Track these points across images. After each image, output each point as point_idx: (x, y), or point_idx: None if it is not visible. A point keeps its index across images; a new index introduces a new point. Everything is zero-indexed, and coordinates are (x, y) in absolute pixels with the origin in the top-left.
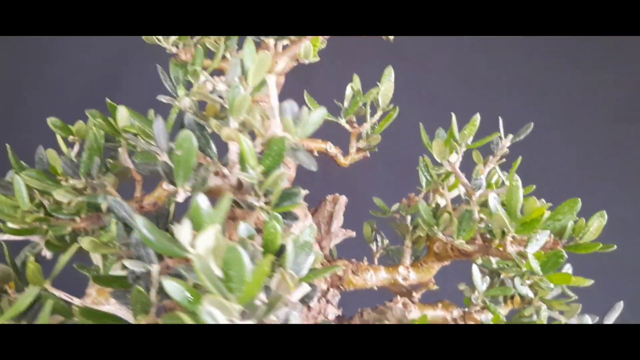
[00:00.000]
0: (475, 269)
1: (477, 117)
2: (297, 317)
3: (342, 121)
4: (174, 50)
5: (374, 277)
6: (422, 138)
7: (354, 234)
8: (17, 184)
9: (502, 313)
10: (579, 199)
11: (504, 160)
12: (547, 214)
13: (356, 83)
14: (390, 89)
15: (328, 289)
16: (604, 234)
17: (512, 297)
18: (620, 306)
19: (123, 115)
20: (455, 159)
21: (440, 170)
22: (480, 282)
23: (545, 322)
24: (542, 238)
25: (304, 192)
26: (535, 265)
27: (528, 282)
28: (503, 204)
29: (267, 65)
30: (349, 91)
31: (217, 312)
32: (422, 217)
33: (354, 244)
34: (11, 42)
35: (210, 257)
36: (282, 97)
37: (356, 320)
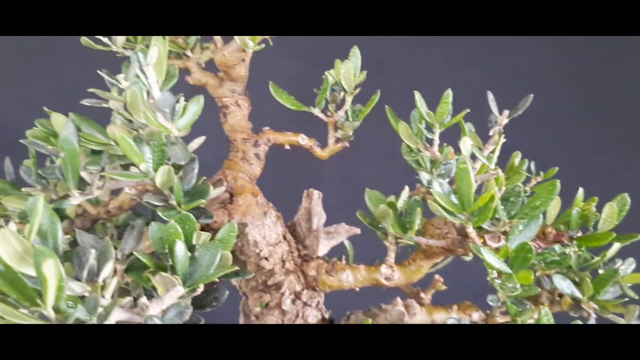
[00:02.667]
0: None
1: (449, 94)
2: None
3: (316, 110)
4: (126, 53)
5: (351, 277)
6: (390, 121)
7: (358, 230)
8: None
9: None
10: (558, 181)
11: (504, 140)
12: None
13: (337, 70)
14: (351, 70)
15: (302, 290)
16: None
17: (560, 296)
18: None
19: (59, 122)
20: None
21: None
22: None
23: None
24: (528, 229)
25: (218, 189)
26: (495, 262)
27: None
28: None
29: (164, 61)
30: (330, 79)
31: None
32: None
33: (371, 241)
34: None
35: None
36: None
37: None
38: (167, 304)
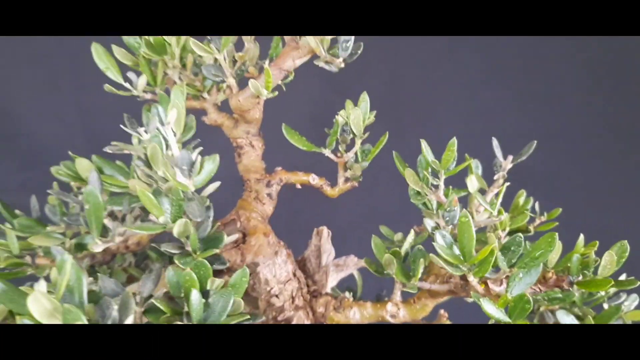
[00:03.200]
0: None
1: (454, 142)
2: None
3: (326, 151)
4: (146, 96)
5: (357, 314)
6: (398, 167)
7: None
8: (8, 233)
9: None
10: (556, 234)
11: (507, 183)
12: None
13: (347, 110)
14: (360, 116)
15: None
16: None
17: None
18: None
19: (83, 166)
20: (437, 186)
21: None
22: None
23: None
24: (528, 276)
25: (231, 237)
26: (495, 312)
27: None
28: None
29: (182, 116)
30: (341, 120)
31: None
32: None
33: None
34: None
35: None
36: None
37: None
38: None
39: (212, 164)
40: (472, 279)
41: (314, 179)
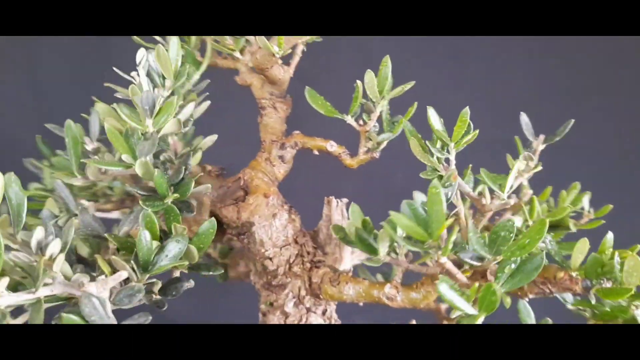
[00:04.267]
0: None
1: (467, 111)
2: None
3: (348, 118)
4: None
5: (352, 290)
6: (407, 136)
7: None
8: (45, 170)
9: None
10: (547, 220)
11: (539, 168)
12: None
13: (369, 78)
14: (374, 80)
15: (306, 295)
16: None
17: None
18: None
19: (102, 110)
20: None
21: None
22: None
23: None
24: (524, 270)
25: (202, 187)
26: (457, 300)
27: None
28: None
29: (168, 61)
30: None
31: None
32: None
33: None
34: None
35: None
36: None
37: None
38: (110, 285)
39: (170, 107)
40: (445, 261)
41: (332, 146)
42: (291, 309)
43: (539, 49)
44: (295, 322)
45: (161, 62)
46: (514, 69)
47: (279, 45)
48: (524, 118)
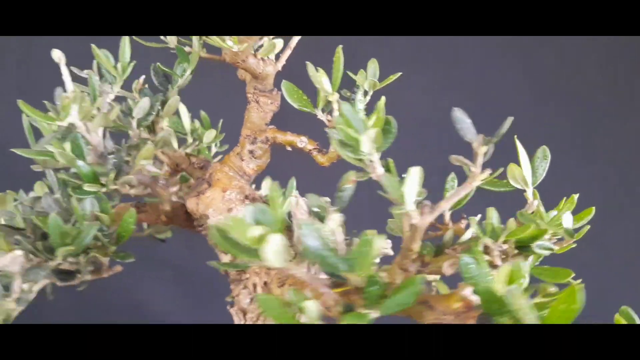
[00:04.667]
0: None
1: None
2: None
3: (318, 112)
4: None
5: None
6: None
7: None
8: None
9: None
10: None
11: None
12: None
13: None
14: (324, 75)
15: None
16: None
17: None
18: None
19: None
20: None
21: None
22: None
23: None
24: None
25: (128, 177)
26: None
27: None
28: None
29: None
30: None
31: None
32: None
33: None
34: None
35: None
36: None
37: None
38: (2, 263)
39: (74, 102)
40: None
41: (302, 142)
42: (247, 305)
43: (530, 49)
44: (254, 320)
45: (101, 60)
46: (504, 70)
47: (233, 40)
48: (457, 114)
